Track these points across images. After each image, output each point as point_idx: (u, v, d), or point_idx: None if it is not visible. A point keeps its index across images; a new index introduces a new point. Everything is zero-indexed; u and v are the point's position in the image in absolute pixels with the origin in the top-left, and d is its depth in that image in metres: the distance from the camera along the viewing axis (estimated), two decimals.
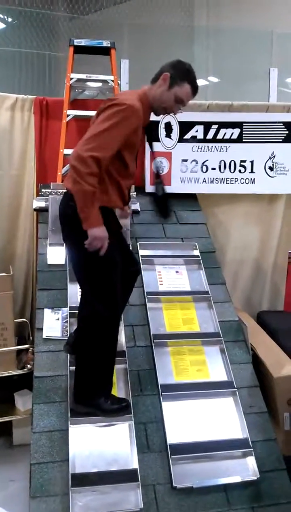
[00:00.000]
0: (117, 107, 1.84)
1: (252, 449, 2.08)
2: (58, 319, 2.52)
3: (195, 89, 2.02)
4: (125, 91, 2.07)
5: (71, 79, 3.29)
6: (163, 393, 2.24)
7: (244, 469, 2.05)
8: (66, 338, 2.38)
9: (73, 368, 2.18)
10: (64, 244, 2.21)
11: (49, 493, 1.88)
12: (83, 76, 3.31)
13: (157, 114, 2.09)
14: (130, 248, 2.75)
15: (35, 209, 3.09)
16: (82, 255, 1.95)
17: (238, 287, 3.60)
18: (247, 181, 3.40)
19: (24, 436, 2.62)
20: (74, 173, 1.81)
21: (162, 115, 2.28)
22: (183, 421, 2.17)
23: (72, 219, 1.93)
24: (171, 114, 2.12)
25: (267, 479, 2.03)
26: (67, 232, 2.05)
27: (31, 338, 3.10)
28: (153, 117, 3.28)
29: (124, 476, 1.94)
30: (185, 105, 2.05)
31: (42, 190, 3.13)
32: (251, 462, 2.06)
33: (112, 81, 3.30)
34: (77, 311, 2.17)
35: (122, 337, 2.48)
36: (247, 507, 1.95)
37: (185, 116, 3.33)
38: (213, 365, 2.41)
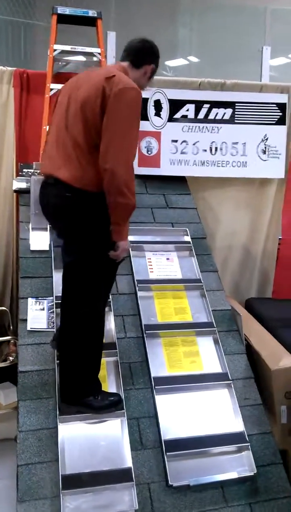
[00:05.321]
0: (131, 93, 1.76)
1: (248, 444, 2.02)
2: (43, 309, 2.37)
3: None
4: (112, 69, 1.92)
5: (55, 50, 3.06)
6: (155, 387, 2.15)
7: (240, 464, 1.98)
8: (53, 329, 2.25)
9: None
10: (61, 238, 2.03)
11: (38, 496, 1.77)
12: (68, 47, 3.09)
13: None
14: None
15: (15, 191, 2.91)
16: (84, 250, 1.86)
17: (227, 273, 3.51)
18: (238, 164, 3.27)
19: (8, 431, 2.48)
20: (123, 189, 1.75)
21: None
22: (177, 415, 2.09)
23: (72, 211, 1.83)
24: None
25: (263, 474, 1.98)
26: (66, 225, 1.90)
27: (11, 328, 2.94)
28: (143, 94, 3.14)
29: (117, 476, 1.85)
30: None
31: (23, 170, 2.94)
32: (247, 457, 2.00)
33: (99, 54, 3.10)
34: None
35: (112, 328, 2.35)
36: (244, 503, 1.90)
37: (176, 93, 3.18)
38: (206, 356, 2.33)
